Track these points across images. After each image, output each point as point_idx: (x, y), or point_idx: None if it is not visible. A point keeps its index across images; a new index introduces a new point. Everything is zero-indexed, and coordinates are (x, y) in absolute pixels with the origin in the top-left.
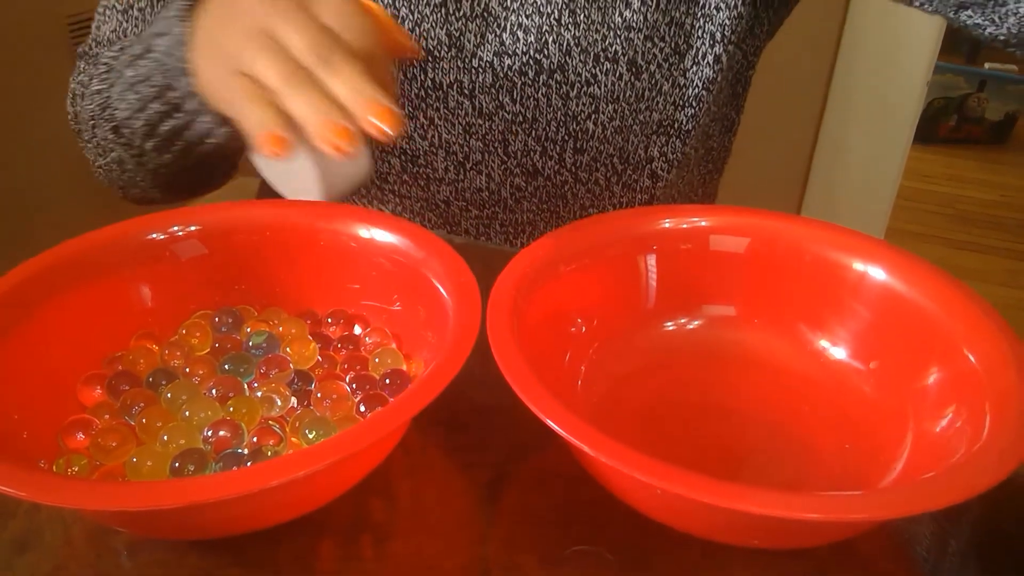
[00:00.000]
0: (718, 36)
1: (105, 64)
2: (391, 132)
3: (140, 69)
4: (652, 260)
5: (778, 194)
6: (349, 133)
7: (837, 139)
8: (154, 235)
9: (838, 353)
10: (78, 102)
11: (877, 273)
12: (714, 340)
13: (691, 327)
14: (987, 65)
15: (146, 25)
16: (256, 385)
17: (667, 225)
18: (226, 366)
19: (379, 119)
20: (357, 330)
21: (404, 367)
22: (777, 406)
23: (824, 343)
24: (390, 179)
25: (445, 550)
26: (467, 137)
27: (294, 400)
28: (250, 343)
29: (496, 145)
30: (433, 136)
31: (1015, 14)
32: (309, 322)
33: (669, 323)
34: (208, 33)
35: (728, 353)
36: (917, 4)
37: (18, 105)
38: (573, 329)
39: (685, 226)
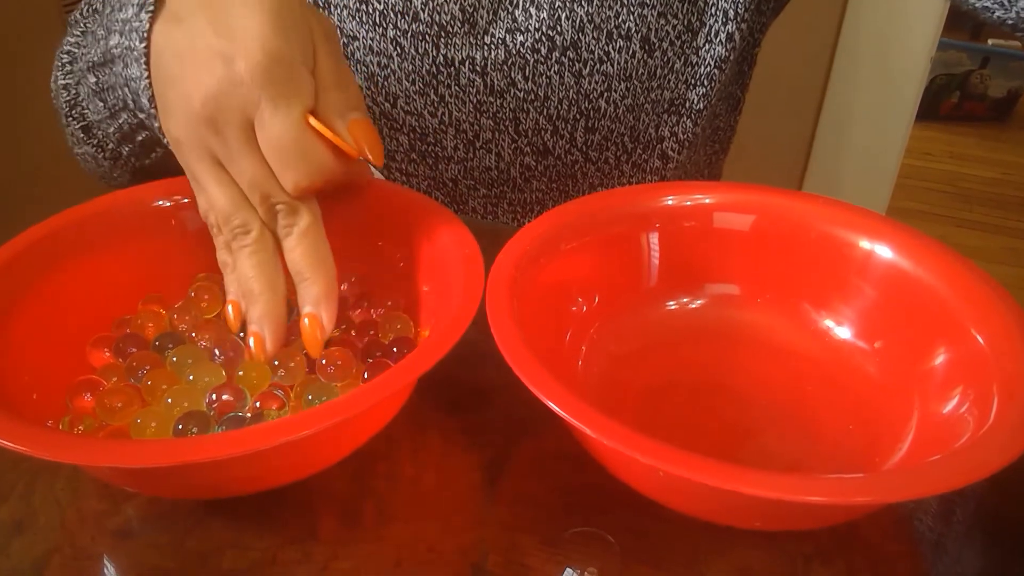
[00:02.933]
0: (731, 13)
1: (67, 54)
2: (323, 336)
3: (101, 77)
4: (655, 238)
5: (780, 172)
6: (263, 351)
7: (839, 117)
8: (160, 203)
9: (843, 333)
10: (55, 75)
11: (883, 251)
12: (717, 319)
13: (694, 306)
14: (991, 42)
15: None
16: None
17: (670, 202)
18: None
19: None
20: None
21: (411, 335)
22: (780, 386)
23: (829, 322)
24: (397, 157)
25: (445, 531)
26: (478, 115)
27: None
28: None
29: (507, 123)
30: (443, 114)
31: None
32: None
33: (671, 302)
34: (163, 92)
35: (731, 332)
36: None
37: (7, 83)
38: (574, 308)
39: (688, 203)
